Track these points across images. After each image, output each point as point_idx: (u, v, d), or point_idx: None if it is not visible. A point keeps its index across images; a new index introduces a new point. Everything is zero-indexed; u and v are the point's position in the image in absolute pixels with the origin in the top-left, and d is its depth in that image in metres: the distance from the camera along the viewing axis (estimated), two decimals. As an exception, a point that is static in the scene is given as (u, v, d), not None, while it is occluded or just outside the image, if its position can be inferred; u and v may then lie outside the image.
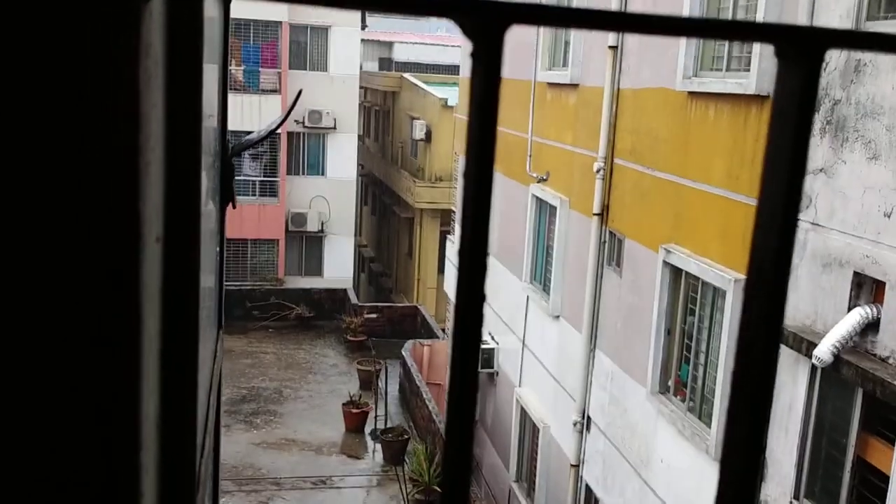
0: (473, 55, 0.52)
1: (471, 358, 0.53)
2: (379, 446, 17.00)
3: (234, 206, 1.59)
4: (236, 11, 26.52)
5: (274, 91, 25.85)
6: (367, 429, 17.85)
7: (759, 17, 7.40)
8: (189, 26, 0.65)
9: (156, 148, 0.59)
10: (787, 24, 0.54)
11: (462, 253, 0.54)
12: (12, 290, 0.49)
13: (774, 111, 0.54)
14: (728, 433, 0.55)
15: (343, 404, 18.06)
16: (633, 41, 10.04)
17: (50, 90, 0.46)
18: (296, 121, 26.34)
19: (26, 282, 0.49)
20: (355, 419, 17.81)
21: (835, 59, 6.54)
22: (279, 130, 25.64)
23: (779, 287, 0.53)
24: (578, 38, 11.46)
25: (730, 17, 8.15)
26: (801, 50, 0.53)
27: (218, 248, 1.55)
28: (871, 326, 6.03)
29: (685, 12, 8.60)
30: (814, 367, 6.49)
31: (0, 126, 0.46)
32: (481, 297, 0.53)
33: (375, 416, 17.74)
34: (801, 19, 6.85)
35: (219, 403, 1.65)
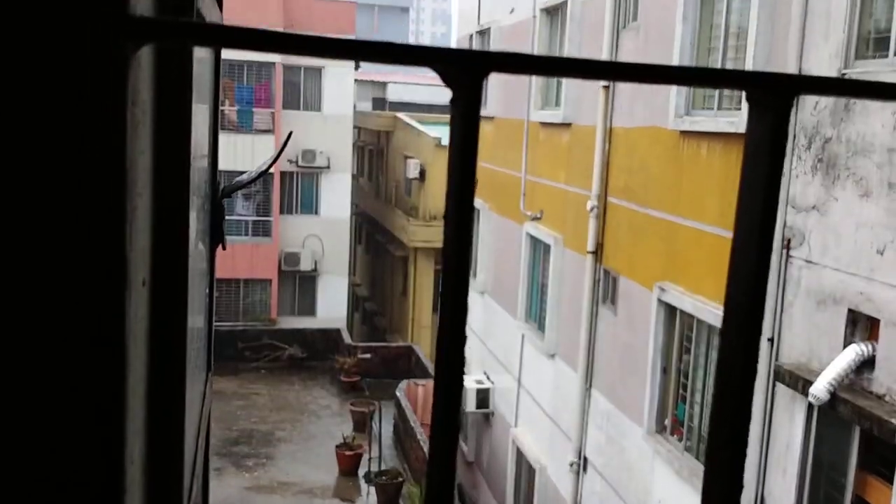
0: (452, 102, 0.54)
1: (453, 405, 0.54)
2: (373, 489, 16.79)
3: (223, 248, 1.60)
4: (230, 53, 26.82)
5: (268, 131, 26.00)
6: (361, 471, 17.65)
7: (749, 56, 7.51)
8: (178, 75, 0.66)
9: (143, 193, 0.60)
10: (756, 72, 0.55)
11: (444, 296, 0.54)
12: (9, 411, 0.50)
13: (746, 155, 0.55)
14: (710, 458, 0.55)
15: (336, 446, 17.87)
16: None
17: (37, 136, 0.48)
18: (289, 160, 26.45)
19: (8, 325, 0.49)
20: (349, 462, 17.62)
21: (824, 97, 6.63)
22: (272, 170, 25.74)
23: (753, 337, 0.54)
24: (571, 78, 11.59)
25: (720, 55, 8.27)
26: (771, 96, 0.54)
27: (207, 290, 1.56)
28: (867, 364, 6.03)
29: (676, 50, 8.73)
30: (810, 406, 6.46)
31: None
32: (462, 338, 0.54)
33: (369, 459, 17.55)
34: (791, 58, 6.96)
35: (207, 446, 1.64)
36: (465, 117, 0.52)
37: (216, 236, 1.52)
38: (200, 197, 1.43)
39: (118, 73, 0.46)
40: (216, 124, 1.73)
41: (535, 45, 12.80)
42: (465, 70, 0.51)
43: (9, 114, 0.46)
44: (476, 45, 15.86)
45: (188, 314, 0.80)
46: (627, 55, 10.05)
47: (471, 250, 0.57)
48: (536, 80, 12.78)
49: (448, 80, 0.53)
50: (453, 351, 0.53)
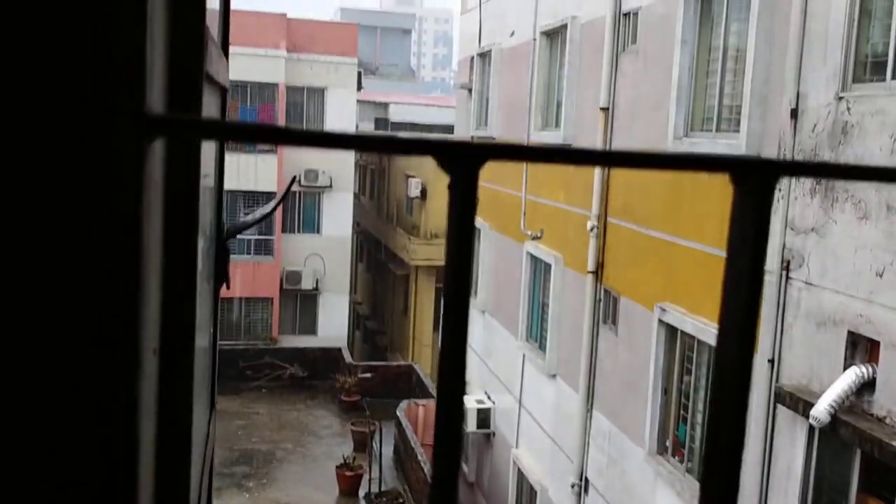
0: (450, 187, 0.57)
1: (454, 425, 0.56)
2: (374, 509, 16.72)
3: (227, 287, 1.62)
4: (233, 74, 26.87)
5: (270, 151, 26.10)
6: (362, 492, 17.58)
7: (748, 78, 7.57)
8: (187, 160, 0.69)
9: (154, 268, 0.63)
10: (740, 156, 0.58)
11: (441, 374, 0.57)
12: (9, 411, 0.52)
13: (731, 235, 0.58)
14: (706, 474, 0.57)
15: (337, 467, 17.81)
16: (624, 102, 10.23)
17: (57, 221, 0.50)
18: (294, 180, 26.48)
19: (23, 396, 0.52)
20: (349, 482, 17.55)
21: (822, 120, 6.67)
22: (274, 188, 25.81)
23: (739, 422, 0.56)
24: (570, 99, 11.67)
25: (718, 78, 8.32)
26: (754, 179, 0.57)
27: (212, 329, 1.58)
28: (868, 386, 6.03)
29: (675, 73, 8.79)
30: (811, 428, 6.46)
31: (7, 246, 0.50)
32: (463, 371, 0.57)
33: (370, 479, 17.48)
34: (789, 81, 7.01)
35: (210, 484, 1.66)
36: (463, 202, 0.55)
37: (220, 277, 1.55)
38: (206, 239, 1.46)
39: (134, 167, 0.48)
40: (222, 160, 1.76)
41: (535, 68, 12.88)
42: (463, 160, 0.54)
43: (33, 205, 0.49)
44: (477, 67, 15.96)
45: (194, 371, 0.83)
46: (627, 78, 10.12)
47: (467, 323, 0.60)
48: (536, 101, 12.86)
49: (446, 168, 0.55)
50: (454, 379, 0.56)
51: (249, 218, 2.26)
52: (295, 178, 3.26)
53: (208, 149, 1.47)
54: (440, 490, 0.56)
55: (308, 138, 0.53)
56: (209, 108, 1.31)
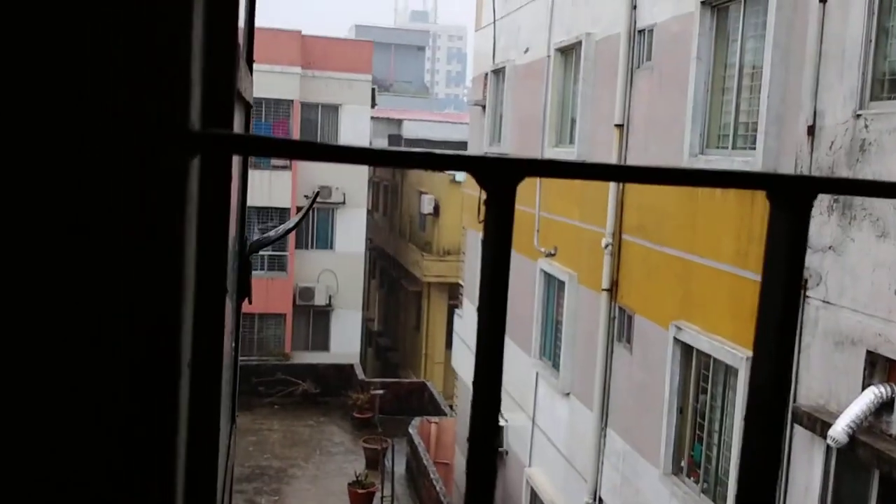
0: (487, 203, 0.57)
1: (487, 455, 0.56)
2: (386, 526, 16.64)
3: (250, 302, 1.63)
4: (250, 91, 26.86)
5: (285, 167, 26.24)
6: (374, 509, 17.50)
7: (764, 96, 7.55)
8: (220, 176, 0.70)
9: (189, 283, 0.63)
10: (777, 174, 0.58)
11: (476, 386, 0.57)
12: (63, 418, 0.52)
13: (767, 251, 0.58)
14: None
15: (349, 484, 17.75)
16: (639, 119, 10.23)
17: (105, 237, 0.51)
18: (305, 196, 26.62)
19: (65, 405, 0.52)
20: (361, 500, 17.48)
21: (839, 137, 6.65)
22: (288, 205, 25.92)
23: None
24: (585, 116, 11.68)
25: (734, 95, 8.31)
26: (791, 196, 0.57)
27: (234, 344, 1.59)
28: (886, 406, 5.97)
29: (690, 91, 8.78)
30: (829, 448, 6.39)
31: (58, 262, 0.51)
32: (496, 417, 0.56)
33: (382, 497, 17.41)
34: (805, 99, 6.99)
35: (230, 497, 1.66)
36: (499, 218, 0.55)
37: (243, 291, 1.56)
38: (231, 254, 1.47)
39: (179, 183, 0.49)
40: (245, 176, 1.77)
41: (549, 85, 12.91)
42: (500, 175, 0.54)
43: (82, 221, 0.49)
44: (491, 84, 16.01)
45: (222, 380, 0.83)
46: (641, 95, 10.12)
47: (503, 339, 0.60)
48: (550, 117, 12.88)
49: (483, 184, 0.56)
50: (489, 402, 0.56)
51: (272, 233, 2.27)
52: (318, 192, 3.28)
53: (234, 165, 1.48)
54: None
55: (343, 154, 0.53)
56: (237, 124, 1.32)
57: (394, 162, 0.53)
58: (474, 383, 0.56)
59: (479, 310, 0.57)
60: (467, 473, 0.56)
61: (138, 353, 0.49)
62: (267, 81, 25.39)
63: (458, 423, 18.41)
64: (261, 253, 26.62)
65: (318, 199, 26.80)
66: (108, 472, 0.50)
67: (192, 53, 0.49)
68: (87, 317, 0.49)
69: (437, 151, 0.53)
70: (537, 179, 13.23)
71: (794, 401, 6.86)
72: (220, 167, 0.72)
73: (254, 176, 25.52)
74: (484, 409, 0.54)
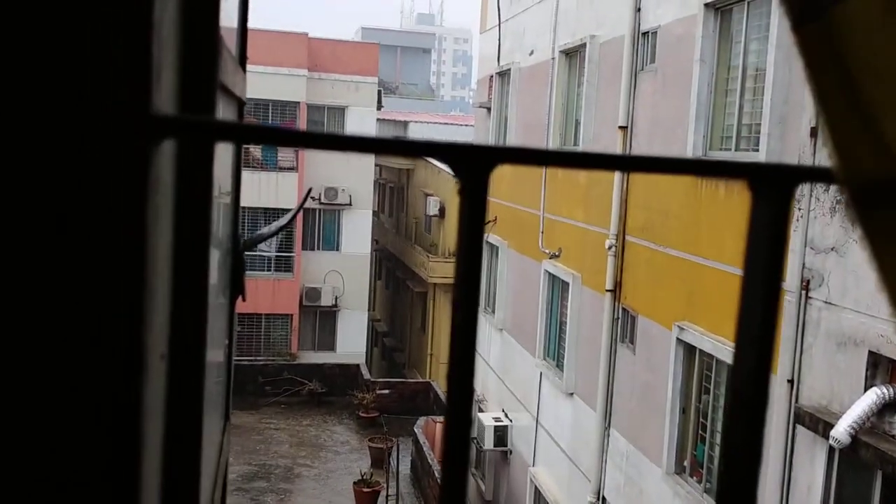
0: (460, 192, 0.56)
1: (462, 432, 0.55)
2: (390, 527, 16.64)
3: (244, 299, 1.63)
4: (255, 92, 26.96)
5: (291, 169, 26.28)
6: (379, 508, 17.51)
7: (767, 97, 7.53)
8: (200, 165, 0.69)
9: (162, 272, 0.62)
10: (758, 162, 0.57)
11: (449, 380, 0.56)
12: (9, 410, 0.51)
13: (748, 243, 0.57)
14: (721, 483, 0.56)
15: (354, 483, 17.76)
16: (643, 120, 10.21)
17: (59, 230, 0.50)
18: (312, 197, 26.68)
19: (23, 404, 0.51)
20: (367, 498, 17.49)
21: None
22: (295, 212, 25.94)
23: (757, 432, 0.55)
24: (590, 117, 11.67)
25: (737, 97, 8.29)
26: (772, 186, 0.56)
27: (227, 341, 1.58)
28: (889, 406, 5.94)
29: (693, 92, 8.76)
30: (831, 449, 6.37)
31: (8, 251, 0.50)
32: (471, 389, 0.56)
33: (387, 496, 17.42)
34: (809, 102, 6.96)
35: (224, 496, 1.65)
36: (472, 207, 0.54)
37: (237, 288, 1.55)
38: (222, 251, 1.46)
39: (139, 170, 0.48)
40: (239, 171, 1.76)
41: (553, 87, 12.90)
42: (473, 163, 0.53)
43: (33, 207, 0.48)
44: (496, 86, 16.00)
45: (205, 378, 0.82)
46: (645, 97, 10.10)
47: (476, 332, 0.59)
48: (554, 120, 12.87)
49: (456, 171, 0.55)
50: (462, 392, 0.55)
51: (266, 230, 2.27)
52: (310, 190, 3.28)
53: (224, 161, 1.48)
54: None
55: (309, 140, 0.52)
56: (226, 118, 1.32)
57: (363, 148, 0.52)
58: (448, 377, 0.55)
59: (454, 302, 0.56)
60: (442, 466, 0.55)
61: (97, 342, 0.49)
62: (273, 83, 25.44)
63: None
64: (267, 254, 26.67)
65: (325, 201, 26.85)
66: (63, 463, 0.50)
67: (154, 35, 0.49)
68: (38, 306, 0.48)
69: (408, 138, 0.52)
70: (542, 181, 13.22)
71: (797, 401, 6.84)
72: (198, 157, 0.71)
73: (261, 177, 25.61)
74: (458, 407, 0.53)
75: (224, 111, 1.23)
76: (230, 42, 1.31)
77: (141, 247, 0.48)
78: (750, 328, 0.59)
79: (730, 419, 0.61)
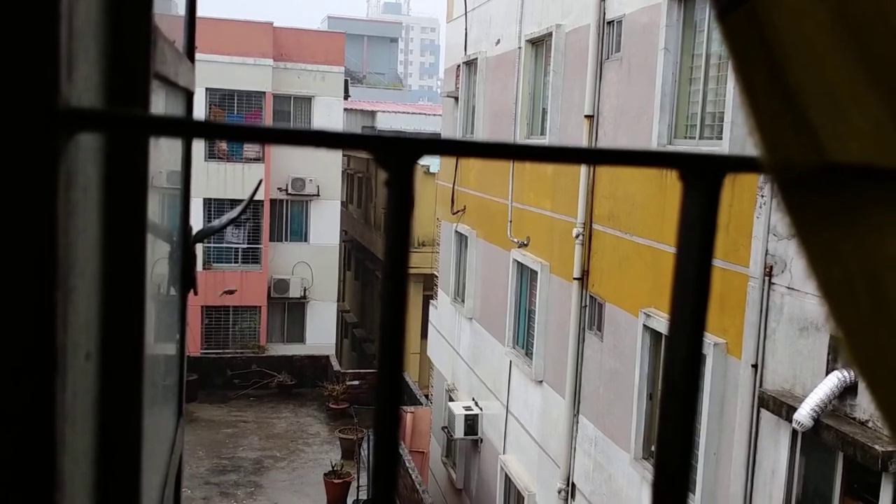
0: (387, 184, 0.55)
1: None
2: (362, 517, 16.65)
3: (195, 293, 1.60)
4: (220, 82, 26.60)
5: (257, 160, 26.06)
6: (350, 499, 17.51)
7: (731, 88, 7.60)
8: (131, 160, 0.67)
9: (86, 269, 0.61)
10: (687, 153, 0.57)
11: (380, 368, 0.55)
12: None
13: (680, 232, 0.57)
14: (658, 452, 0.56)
15: (325, 474, 17.74)
16: (609, 110, 10.25)
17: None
18: (279, 188, 26.50)
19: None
20: (337, 490, 17.48)
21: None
22: (262, 198, 25.76)
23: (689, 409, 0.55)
24: (556, 106, 11.69)
25: (701, 85, 8.35)
26: (702, 175, 0.56)
27: (179, 335, 1.56)
28: (850, 390, 6.05)
29: (658, 81, 8.82)
30: (794, 432, 6.47)
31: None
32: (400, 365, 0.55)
33: (358, 487, 17.42)
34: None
35: (178, 496, 1.63)
36: (399, 198, 0.54)
37: (187, 282, 1.53)
38: (171, 242, 1.44)
39: (46, 164, 0.46)
40: (189, 162, 1.73)
41: (520, 76, 12.91)
42: (398, 155, 0.52)
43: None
44: (463, 75, 15.98)
45: (143, 377, 0.81)
46: (611, 86, 10.15)
47: (404, 319, 0.58)
48: (521, 109, 12.88)
49: (382, 164, 0.54)
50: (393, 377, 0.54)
51: (216, 223, 2.25)
52: (261, 181, 3.25)
53: (172, 152, 1.45)
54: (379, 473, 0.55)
55: (240, 133, 0.51)
56: (171, 110, 1.29)
57: (289, 140, 0.51)
58: (377, 372, 0.54)
59: (382, 296, 0.56)
60: (373, 454, 0.54)
61: (2, 350, 0.47)
62: (239, 73, 25.18)
63: (432, 412, 18.44)
64: (234, 246, 26.45)
65: (292, 192, 26.67)
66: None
67: (63, 23, 0.47)
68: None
69: (332, 130, 0.51)
70: (510, 171, 13.24)
71: (760, 386, 6.94)
72: (129, 151, 0.69)
73: (227, 168, 25.38)
74: (387, 406, 0.52)
75: (167, 103, 1.21)
76: (175, 32, 1.28)
77: (50, 243, 0.46)
78: (683, 310, 0.59)
79: (664, 401, 0.61)
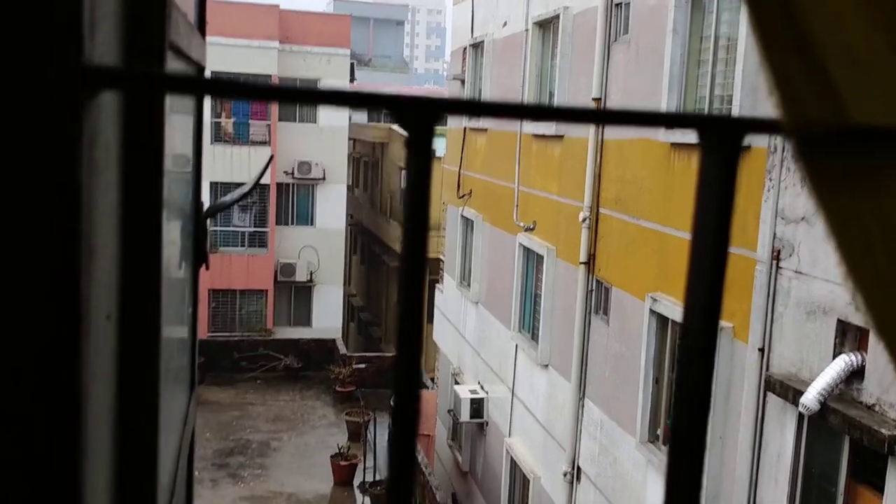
0: (407, 144, 0.55)
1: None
2: (368, 499, 16.76)
3: (206, 268, 1.61)
4: (226, 65, 26.55)
5: (263, 143, 26.04)
6: (356, 481, 17.62)
7: (739, 68, 7.55)
8: (148, 122, 0.67)
9: (108, 231, 0.61)
10: (706, 115, 0.57)
11: (399, 332, 0.56)
12: None
13: (698, 194, 0.57)
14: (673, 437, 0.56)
15: (331, 456, 17.85)
16: (616, 92, 10.21)
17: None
18: (285, 172, 26.50)
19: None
20: (344, 472, 17.59)
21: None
22: (268, 181, 25.78)
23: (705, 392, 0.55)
24: (563, 89, 11.65)
25: (710, 67, 8.30)
26: (721, 138, 0.56)
27: (191, 309, 1.57)
28: (857, 374, 6.05)
29: (666, 63, 8.77)
30: (801, 416, 6.48)
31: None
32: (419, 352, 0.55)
33: (364, 469, 17.52)
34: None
35: (191, 468, 1.64)
36: (419, 159, 0.54)
37: (199, 256, 1.53)
38: (183, 217, 1.44)
39: (71, 121, 0.47)
40: (200, 140, 1.74)
41: (527, 59, 12.85)
42: (418, 114, 0.53)
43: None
44: (470, 58, 15.91)
45: (160, 339, 0.81)
46: (618, 68, 10.10)
47: (424, 282, 0.59)
48: (528, 92, 12.83)
49: (403, 124, 0.54)
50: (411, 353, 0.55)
51: (227, 198, 2.26)
52: (272, 156, 3.26)
53: (184, 129, 1.45)
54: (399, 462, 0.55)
55: (244, 91, 0.51)
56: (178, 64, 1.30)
57: (304, 100, 0.51)
58: (396, 346, 0.55)
59: (400, 260, 0.56)
60: (392, 428, 0.54)
61: (30, 293, 0.47)
62: (244, 57, 25.13)
63: (438, 395, 18.50)
64: (241, 229, 26.49)
65: (298, 175, 26.66)
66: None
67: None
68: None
69: (347, 90, 0.51)
70: (516, 154, 13.21)
71: (767, 369, 6.94)
72: (146, 113, 0.69)
73: (233, 152, 25.38)
74: (406, 369, 0.52)
75: (177, 70, 1.21)
76: (186, 6, 1.28)
77: (74, 196, 0.46)
78: (700, 282, 0.59)
79: (680, 369, 0.61)
